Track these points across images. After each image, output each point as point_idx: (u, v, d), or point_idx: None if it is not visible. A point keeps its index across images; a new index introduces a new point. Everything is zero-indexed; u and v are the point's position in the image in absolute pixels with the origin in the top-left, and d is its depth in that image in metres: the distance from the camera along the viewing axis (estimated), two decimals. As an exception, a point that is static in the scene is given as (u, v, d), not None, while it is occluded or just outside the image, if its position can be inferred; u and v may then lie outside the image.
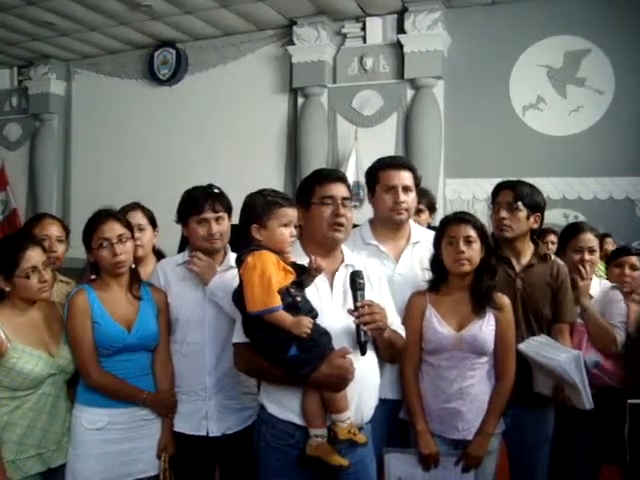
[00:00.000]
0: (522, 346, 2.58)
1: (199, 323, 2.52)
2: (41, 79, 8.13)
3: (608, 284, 3.14)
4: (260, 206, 2.19)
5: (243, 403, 2.53)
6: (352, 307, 2.15)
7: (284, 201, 2.22)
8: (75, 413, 2.44)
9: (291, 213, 2.21)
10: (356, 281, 2.19)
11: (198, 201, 2.52)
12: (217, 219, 2.51)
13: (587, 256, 3.01)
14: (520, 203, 2.71)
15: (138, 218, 2.95)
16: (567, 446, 2.97)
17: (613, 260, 3.36)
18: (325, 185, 2.30)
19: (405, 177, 2.66)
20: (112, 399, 2.42)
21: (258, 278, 2.05)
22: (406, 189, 2.65)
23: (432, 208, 3.73)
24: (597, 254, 3.09)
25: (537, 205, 2.77)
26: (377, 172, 2.71)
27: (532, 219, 2.75)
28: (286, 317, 2.05)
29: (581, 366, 2.51)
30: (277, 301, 2.04)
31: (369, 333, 2.15)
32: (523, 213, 2.72)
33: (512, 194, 2.73)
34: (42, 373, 2.36)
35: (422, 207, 3.47)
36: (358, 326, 2.13)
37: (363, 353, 2.15)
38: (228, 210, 2.56)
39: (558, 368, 2.48)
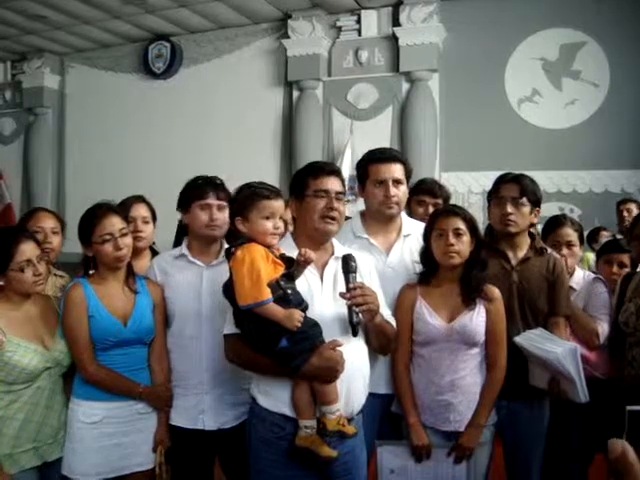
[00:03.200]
0: (518, 339, 2.57)
1: (196, 316, 2.52)
2: (35, 73, 8.08)
3: (592, 276, 3.14)
4: (244, 198, 2.19)
5: (240, 398, 2.52)
6: (344, 291, 2.15)
7: (268, 192, 2.18)
8: (71, 407, 2.44)
9: (274, 205, 2.17)
10: (348, 263, 2.19)
11: (202, 187, 2.56)
12: (219, 207, 2.53)
13: (564, 250, 3.02)
14: (525, 198, 2.68)
15: (143, 211, 2.96)
16: (557, 438, 2.97)
17: (602, 255, 3.36)
18: (319, 178, 2.28)
19: (395, 170, 2.62)
20: (108, 393, 2.41)
21: (247, 271, 2.04)
22: (397, 182, 2.61)
23: (448, 201, 3.70)
24: (576, 248, 3.09)
25: (538, 200, 2.75)
26: (367, 165, 2.67)
27: (533, 213, 2.74)
28: (277, 310, 2.04)
29: (577, 359, 2.50)
30: (267, 294, 2.03)
31: (361, 315, 2.15)
32: (527, 208, 2.69)
33: (518, 188, 2.68)
34: (38, 366, 2.35)
35: (440, 201, 3.43)
36: (350, 308, 2.12)
37: (355, 334, 2.15)
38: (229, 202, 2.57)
39: (555, 361, 2.47)
